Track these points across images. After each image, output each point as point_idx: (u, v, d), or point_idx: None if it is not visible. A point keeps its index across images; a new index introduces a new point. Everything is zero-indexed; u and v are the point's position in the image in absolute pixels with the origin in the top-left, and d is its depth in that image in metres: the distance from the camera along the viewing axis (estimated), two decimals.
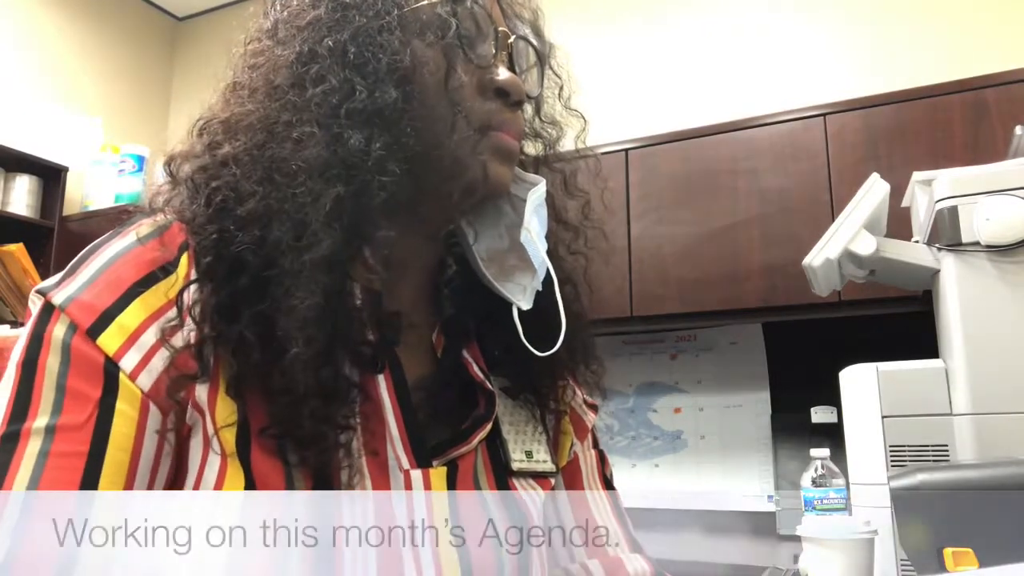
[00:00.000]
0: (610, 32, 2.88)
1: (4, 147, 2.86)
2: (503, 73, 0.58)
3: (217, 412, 0.50)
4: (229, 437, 0.50)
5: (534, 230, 0.59)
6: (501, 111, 0.58)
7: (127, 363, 0.48)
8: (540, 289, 0.61)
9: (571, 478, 0.72)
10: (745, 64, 2.63)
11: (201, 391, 0.50)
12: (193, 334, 0.50)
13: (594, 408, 0.75)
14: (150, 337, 0.49)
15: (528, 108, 0.67)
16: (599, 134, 2.82)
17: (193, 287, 0.51)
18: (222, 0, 3.57)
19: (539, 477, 0.64)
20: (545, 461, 0.64)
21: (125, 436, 0.48)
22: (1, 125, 2.96)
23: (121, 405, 0.48)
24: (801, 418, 2.21)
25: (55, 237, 2.94)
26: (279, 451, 0.50)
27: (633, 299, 2.24)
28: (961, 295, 1.13)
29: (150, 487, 0.49)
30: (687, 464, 2.43)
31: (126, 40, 3.55)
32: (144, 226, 0.54)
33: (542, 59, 0.65)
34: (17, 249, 2.78)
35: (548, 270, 0.60)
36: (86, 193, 3.12)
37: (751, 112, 2.25)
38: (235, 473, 0.49)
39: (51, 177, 3.04)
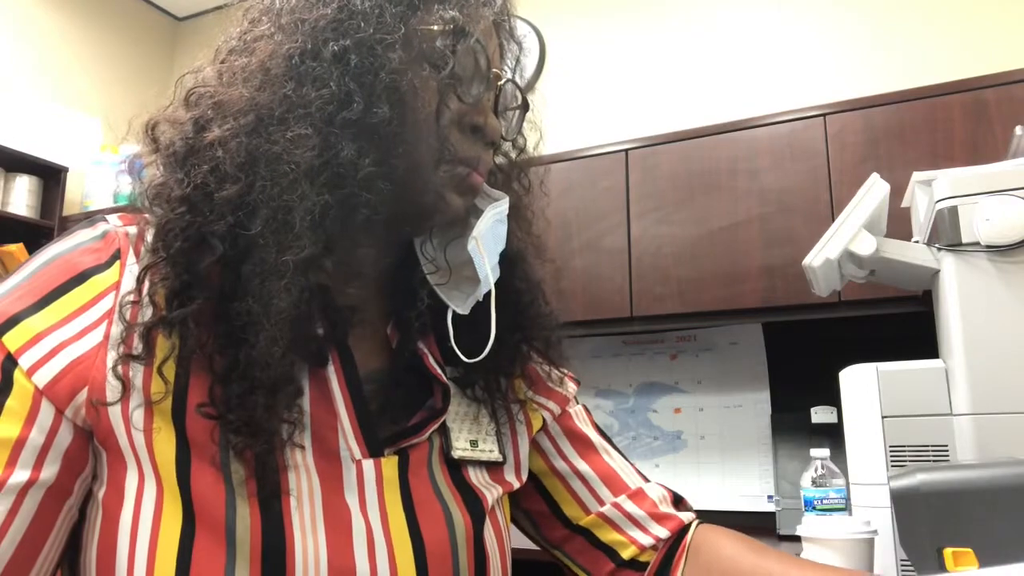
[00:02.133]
0: (610, 32, 2.88)
1: (4, 147, 2.86)
2: (487, 115, 0.59)
3: (155, 441, 0.51)
4: (168, 460, 0.50)
5: (482, 241, 0.60)
6: (475, 148, 0.59)
7: (25, 360, 0.49)
8: (480, 300, 0.62)
9: (565, 424, 0.74)
10: (745, 64, 2.64)
11: (116, 412, 0.50)
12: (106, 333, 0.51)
13: (575, 380, 0.78)
14: (55, 339, 0.50)
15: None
16: (599, 134, 2.81)
17: (132, 276, 0.52)
18: (222, 0, 3.57)
19: (491, 469, 0.65)
20: (492, 450, 0.65)
21: (7, 429, 0.49)
22: (1, 125, 2.96)
23: (11, 402, 0.49)
24: (801, 418, 2.20)
25: (55, 237, 2.94)
26: (222, 466, 0.51)
27: (633, 299, 2.24)
28: (961, 295, 1.13)
29: (35, 474, 0.49)
30: (687, 464, 2.44)
31: (126, 40, 3.56)
32: (84, 232, 0.56)
33: (526, 106, 0.67)
34: (17, 249, 2.78)
35: (492, 286, 0.61)
36: (86, 193, 3.12)
37: (751, 112, 2.25)
38: (172, 502, 0.50)
39: (51, 177, 3.04)
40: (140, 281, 0.52)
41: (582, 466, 0.72)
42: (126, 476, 0.51)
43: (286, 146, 0.50)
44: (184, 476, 0.50)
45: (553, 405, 0.73)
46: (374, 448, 0.57)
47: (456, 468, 0.62)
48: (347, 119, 0.52)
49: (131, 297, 0.52)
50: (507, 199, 0.63)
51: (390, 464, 0.57)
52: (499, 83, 0.62)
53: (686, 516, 0.72)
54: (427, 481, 0.59)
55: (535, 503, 0.73)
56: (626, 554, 0.69)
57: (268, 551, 0.50)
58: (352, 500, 0.55)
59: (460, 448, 0.62)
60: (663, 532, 0.70)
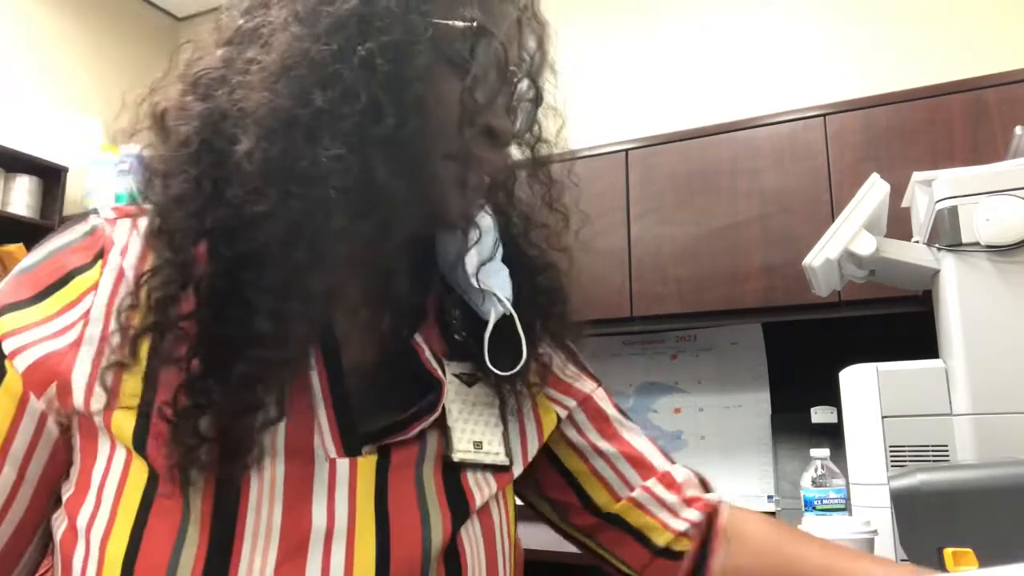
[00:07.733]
0: (610, 32, 2.88)
1: (4, 147, 2.86)
2: (499, 116, 0.57)
3: (114, 421, 0.51)
4: (134, 488, 0.50)
5: (472, 267, 0.60)
6: (482, 147, 0.56)
7: (7, 345, 0.52)
8: (504, 312, 0.61)
9: (587, 406, 0.71)
10: (745, 64, 2.64)
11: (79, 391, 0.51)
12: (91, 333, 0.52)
13: (594, 379, 0.74)
14: (36, 333, 0.52)
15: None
16: (599, 134, 2.80)
17: (111, 275, 0.53)
18: (222, 0, 3.57)
19: (495, 472, 0.61)
20: (497, 453, 0.60)
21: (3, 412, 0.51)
22: (1, 125, 2.96)
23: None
24: (801, 418, 2.21)
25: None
26: (182, 488, 0.49)
27: (633, 299, 2.24)
28: (961, 295, 1.13)
29: (27, 460, 0.52)
30: (687, 464, 2.43)
31: (126, 40, 3.56)
32: (76, 228, 0.56)
33: (538, 100, 0.63)
34: (17, 249, 2.78)
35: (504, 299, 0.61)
36: (86, 193, 3.12)
37: (751, 112, 2.25)
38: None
39: (51, 177, 3.04)
40: (136, 282, 0.51)
41: (606, 447, 0.69)
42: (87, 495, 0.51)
43: (321, 166, 0.47)
44: (144, 509, 0.49)
45: (568, 400, 0.70)
46: (352, 446, 0.53)
47: (454, 471, 0.58)
48: (379, 136, 0.49)
49: (109, 299, 0.52)
50: (478, 229, 0.62)
51: (367, 464, 0.53)
52: (515, 80, 0.58)
53: (713, 497, 0.70)
54: (410, 483, 0.55)
55: (560, 491, 0.69)
56: (660, 540, 0.67)
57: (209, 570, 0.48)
58: (319, 505, 0.51)
59: (462, 450, 0.58)
60: (694, 515, 0.67)
